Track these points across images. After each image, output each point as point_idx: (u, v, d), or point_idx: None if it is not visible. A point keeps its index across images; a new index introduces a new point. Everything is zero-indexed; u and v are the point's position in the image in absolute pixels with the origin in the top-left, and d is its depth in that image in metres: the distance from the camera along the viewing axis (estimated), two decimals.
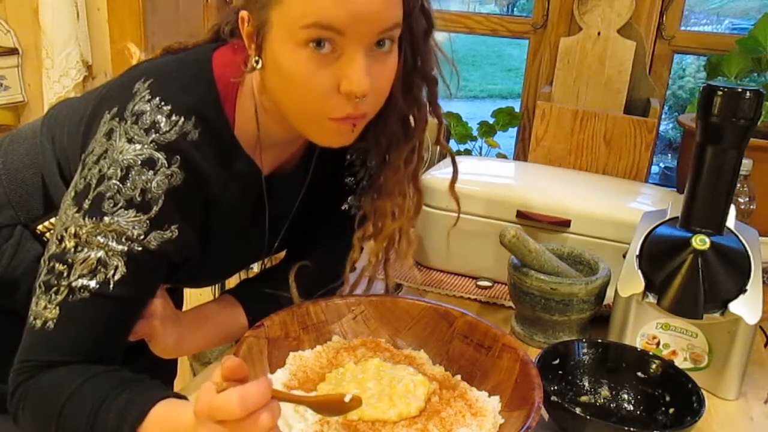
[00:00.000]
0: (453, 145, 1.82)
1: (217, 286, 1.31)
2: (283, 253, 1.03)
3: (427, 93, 0.86)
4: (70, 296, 0.71)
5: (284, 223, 0.94)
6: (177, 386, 1.19)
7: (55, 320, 0.71)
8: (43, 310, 0.72)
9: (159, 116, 0.72)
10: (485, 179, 1.32)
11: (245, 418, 0.56)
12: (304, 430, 0.70)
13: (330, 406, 0.66)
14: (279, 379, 0.77)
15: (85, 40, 1.96)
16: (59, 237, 0.73)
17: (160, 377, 0.74)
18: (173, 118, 0.72)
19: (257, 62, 0.74)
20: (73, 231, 0.72)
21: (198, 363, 1.92)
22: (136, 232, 0.71)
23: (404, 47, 0.79)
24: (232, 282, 0.99)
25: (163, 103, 0.73)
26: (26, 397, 0.71)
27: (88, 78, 2.01)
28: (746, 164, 1.11)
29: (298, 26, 0.68)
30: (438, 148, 0.94)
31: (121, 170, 0.71)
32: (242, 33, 0.76)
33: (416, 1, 0.76)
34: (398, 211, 0.92)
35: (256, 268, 1.01)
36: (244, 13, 0.74)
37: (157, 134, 0.72)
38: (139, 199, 0.71)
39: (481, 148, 1.86)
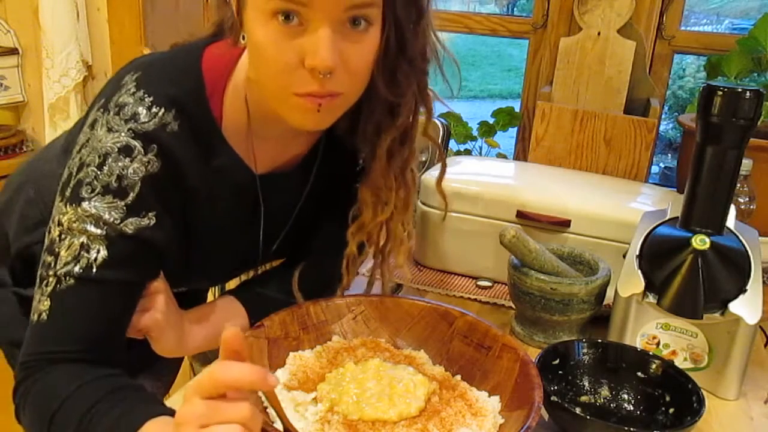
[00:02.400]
0: (453, 145, 1.82)
1: (217, 288, 1.31)
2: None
3: (415, 82, 0.83)
4: (58, 285, 0.71)
5: (283, 227, 0.93)
6: (177, 386, 1.19)
7: (47, 311, 0.71)
8: (38, 303, 0.72)
9: (140, 108, 0.73)
10: (485, 179, 1.32)
11: (224, 403, 0.55)
12: (304, 429, 0.70)
13: None
14: (279, 378, 0.77)
15: (85, 40, 1.96)
16: (49, 229, 0.74)
17: (164, 371, 0.74)
18: (153, 109, 0.73)
19: (243, 37, 0.75)
20: (57, 220, 0.73)
21: (198, 363, 1.92)
22: (112, 217, 0.72)
23: (387, 31, 0.76)
24: (233, 285, 0.98)
25: (145, 95, 0.73)
26: (26, 397, 0.71)
27: (88, 78, 2.01)
28: (746, 164, 1.11)
29: None
30: (430, 122, 0.91)
31: (99, 157, 0.72)
32: (233, 10, 0.76)
33: None
34: (384, 205, 0.90)
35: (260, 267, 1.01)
36: None
37: (136, 123, 0.73)
38: (115, 185, 0.72)
39: (481, 148, 1.86)
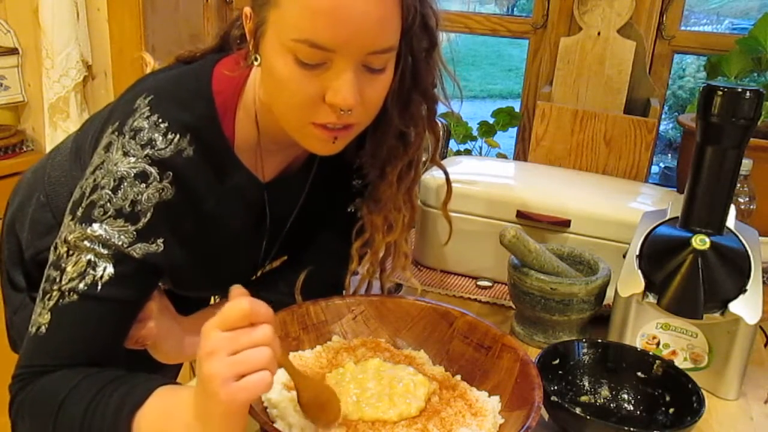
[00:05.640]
0: (453, 145, 1.82)
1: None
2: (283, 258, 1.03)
3: (425, 110, 0.86)
4: (60, 300, 0.71)
5: (284, 226, 0.94)
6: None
7: (46, 325, 0.71)
8: (38, 316, 0.72)
9: (156, 134, 0.74)
10: (485, 179, 1.32)
11: (249, 329, 0.57)
12: (304, 429, 0.70)
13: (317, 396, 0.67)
14: (279, 379, 0.77)
15: (85, 40, 1.96)
16: (55, 245, 0.74)
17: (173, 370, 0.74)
18: (169, 136, 0.74)
19: (256, 59, 0.75)
20: (64, 237, 0.73)
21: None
22: (121, 241, 0.72)
23: (403, 64, 0.79)
24: None
25: (160, 120, 0.74)
26: (24, 403, 0.71)
27: (88, 78, 2.01)
28: (746, 164, 1.11)
29: (290, 37, 0.69)
30: (438, 149, 0.94)
31: (114, 180, 0.73)
32: (245, 28, 0.77)
33: (415, 19, 0.76)
34: (390, 226, 0.92)
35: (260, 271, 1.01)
36: (247, 9, 0.76)
37: (153, 150, 0.73)
38: (128, 209, 0.72)
39: (481, 148, 1.86)
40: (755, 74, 1.47)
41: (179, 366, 1.20)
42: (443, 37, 0.83)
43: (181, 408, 0.62)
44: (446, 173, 0.97)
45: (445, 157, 1.57)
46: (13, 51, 2.02)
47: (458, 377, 0.82)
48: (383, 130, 0.85)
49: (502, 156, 1.84)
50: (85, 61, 1.96)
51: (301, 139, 0.78)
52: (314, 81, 0.71)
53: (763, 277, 0.93)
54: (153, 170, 0.73)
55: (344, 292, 0.95)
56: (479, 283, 1.24)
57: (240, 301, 0.58)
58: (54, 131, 1.98)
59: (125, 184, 0.72)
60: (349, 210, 0.97)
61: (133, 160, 0.73)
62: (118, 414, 0.65)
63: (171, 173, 0.74)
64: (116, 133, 0.75)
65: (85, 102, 2.02)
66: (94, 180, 0.74)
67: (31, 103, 2.07)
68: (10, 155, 1.95)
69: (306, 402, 0.68)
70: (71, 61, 1.92)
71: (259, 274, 0.99)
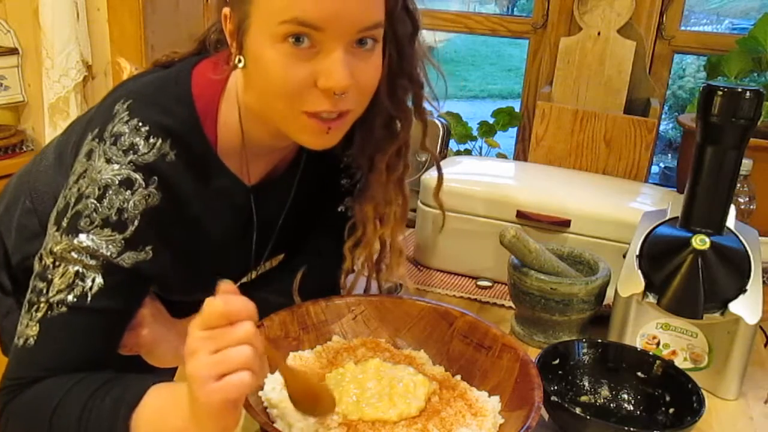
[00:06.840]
0: (453, 145, 1.82)
1: None
2: (278, 258, 1.03)
3: (412, 96, 0.85)
4: (49, 312, 0.70)
5: (274, 228, 0.93)
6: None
7: (35, 337, 0.70)
8: (25, 328, 0.71)
9: (137, 138, 0.72)
10: (485, 179, 1.32)
11: (228, 327, 0.57)
12: (303, 429, 0.70)
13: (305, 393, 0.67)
14: (279, 379, 0.77)
15: (85, 40, 1.96)
16: (40, 256, 0.73)
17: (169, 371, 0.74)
18: (151, 140, 0.73)
19: (239, 61, 0.74)
20: (50, 248, 0.72)
21: None
22: (109, 251, 0.71)
23: (388, 49, 0.78)
24: None
25: (140, 124, 0.73)
26: (14, 414, 0.70)
27: (88, 78, 2.01)
28: (746, 164, 1.12)
29: (276, 21, 0.68)
30: (438, 149, 0.94)
31: (99, 189, 0.71)
32: (225, 32, 0.76)
33: (398, 1, 0.76)
34: (383, 218, 0.91)
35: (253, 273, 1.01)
36: (226, 10, 0.74)
37: (136, 155, 0.72)
38: (115, 218, 0.71)
39: (481, 148, 1.86)
40: (755, 74, 1.47)
41: (174, 368, 1.19)
42: (442, 37, 0.83)
43: (177, 404, 0.62)
44: (437, 160, 0.97)
45: (446, 157, 1.57)
46: (13, 51, 2.02)
47: (458, 377, 0.82)
48: (372, 118, 0.84)
49: (502, 156, 1.84)
50: (85, 61, 1.97)
51: (294, 132, 0.76)
52: (305, 66, 0.70)
53: (763, 277, 0.93)
54: (138, 176, 0.72)
55: (341, 291, 0.95)
56: (479, 283, 1.24)
57: (215, 301, 0.57)
58: (54, 131, 1.98)
59: (110, 192, 0.71)
60: (339, 209, 0.96)
61: (116, 167, 0.72)
62: (114, 415, 0.65)
63: (156, 178, 0.73)
64: (96, 140, 0.74)
65: (85, 102, 2.02)
66: (78, 189, 0.73)
67: (31, 103, 2.07)
68: (10, 155, 1.96)
69: (294, 394, 0.68)
70: (71, 61, 1.92)
71: (253, 275, 0.99)
